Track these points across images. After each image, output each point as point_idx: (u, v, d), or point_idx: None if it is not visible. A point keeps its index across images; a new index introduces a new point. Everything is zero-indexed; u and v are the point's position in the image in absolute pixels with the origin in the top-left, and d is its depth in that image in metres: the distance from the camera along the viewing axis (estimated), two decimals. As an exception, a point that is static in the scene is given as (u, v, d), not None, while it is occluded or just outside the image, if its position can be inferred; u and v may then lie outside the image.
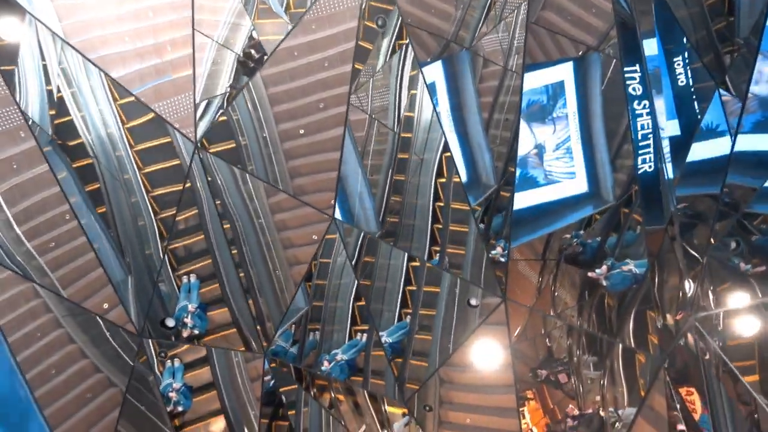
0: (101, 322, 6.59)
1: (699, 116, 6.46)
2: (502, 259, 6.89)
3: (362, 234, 7.02)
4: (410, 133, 6.99)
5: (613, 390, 6.97)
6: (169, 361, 6.90)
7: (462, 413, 7.32)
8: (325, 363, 7.13)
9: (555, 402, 7.21)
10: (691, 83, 6.53)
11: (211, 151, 6.64)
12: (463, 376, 7.26)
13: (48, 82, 6.29)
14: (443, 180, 6.98)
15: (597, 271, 6.86)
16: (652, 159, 6.64)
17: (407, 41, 6.76)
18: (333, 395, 7.36)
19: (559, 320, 7.09)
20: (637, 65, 6.52)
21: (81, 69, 6.33)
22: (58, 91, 6.32)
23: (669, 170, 6.57)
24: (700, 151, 6.55)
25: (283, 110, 6.75)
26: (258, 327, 7.03)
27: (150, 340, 6.79)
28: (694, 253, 6.61)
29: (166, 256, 6.73)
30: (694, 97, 6.54)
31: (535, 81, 6.75)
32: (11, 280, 6.28)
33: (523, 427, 7.09)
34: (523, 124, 6.75)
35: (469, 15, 6.77)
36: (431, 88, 6.83)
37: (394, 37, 6.78)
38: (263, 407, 7.09)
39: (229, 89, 6.63)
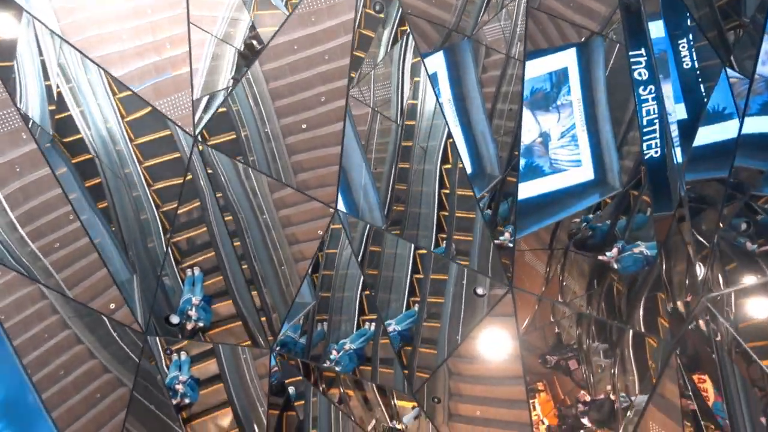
0: (107, 322, 6.59)
1: (705, 99, 6.38)
2: (510, 245, 6.84)
3: (368, 227, 6.98)
4: (413, 121, 6.96)
5: (624, 378, 6.92)
6: (175, 354, 6.91)
7: (472, 405, 7.28)
8: (334, 352, 7.12)
9: (566, 392, 7.16)
10: (696, 65, 6.45)
11: (211, 142, 6.62)
12: (471, 368, 7.22)
13: (46, 77, 6.28)
14: (448, 166, 6.94)
15: (608, 254, 6.78)
16: (659, 144, 6.57)
17: (408, 28, 6.71)
18: (342, 390, 7.33)
19: (568, 309, 7.03)
20: (643, 49, 6.45)
21: (79, 65, 6.33)
22: (57, 87, 6.32)
23: (678, 155, 6.49)
24: (707, 135, 6.47)
25: (285, 105, 6.72)
26: (263, 319, 7.02)
27: (157, 339, 6.78)
28: (702, 239, 6.54)
29: (169, 249, 6.72)
30: (699, 80, 6.46)
31: (538, 68, 6.69)
32: (17, 281, 6.29)
33: (533, 419, 7.04)
34: (527, 113, 6.69)
35: (470, 3, 6.71)
36: (433, 79, 6.78)
37: (395, 26, 6.74)
38: (271, 396, 7.09)
39: (230, 82, 6.60)
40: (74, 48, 6.25)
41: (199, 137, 6.58)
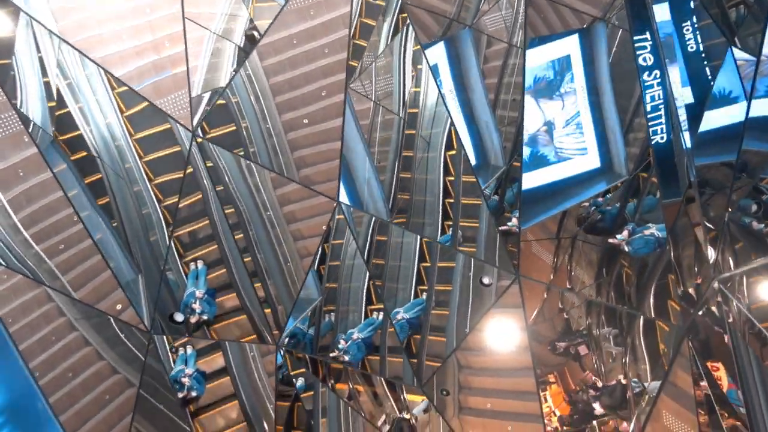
0: (114, 323, 6.59)
1: (711, 81, 6.30)
2: (517, 230, 6.79)
3: (373, 219, 6.95)
4: (416, 109, 6.92)
5: (636, 367, 6.86)
6: (181, 348, 6.89)
7: (482, 398, 7.25)
8: (342, 342, 7.11)
9: (576, 382, 7.11)
10: (701, 48, 6.37)
11: (211, 134, 6.60)
12: (481, 360, 7.18)
13: (45, 74, 6.28)
14: (453, 153, 6.89)
15: (618, 236, 6.71)
16: (664, 130, 6.50)
17: (407, 15, 6.67)
18: (351, 386, 7.31)
19: (577, 298, 6.98)
20: (648, 33, 6.37)
21: (78, 62, 6.32)
22: (56, 83, 6.31)
23: (687, 139, 6.42)
24: (714, 119, 6.40)
25: (286, 100, 6.69)
26: (268, 311, 7.01)
27: (164, 337, 6.77)
28: (709, 225, 6.47)
29: (172, 242, 6.70)
30: (705, 63, 6.38)
31: (540, 57, 6.63)
32: (23, 285, 6.29)
33: (545, 411, 7.00)
34: (531, 102, 6.63)
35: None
36: (434, 70, 6.74)
37: (395, 14, 6.70)
38: (281, 386, 7.08)
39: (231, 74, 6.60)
40: (74, 49, 6.24)
41: (199, 130, 6.56)
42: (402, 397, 7.27)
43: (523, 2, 6.49)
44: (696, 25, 6.36)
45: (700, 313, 6.44)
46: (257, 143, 6.72)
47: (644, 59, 6.44)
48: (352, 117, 6.75)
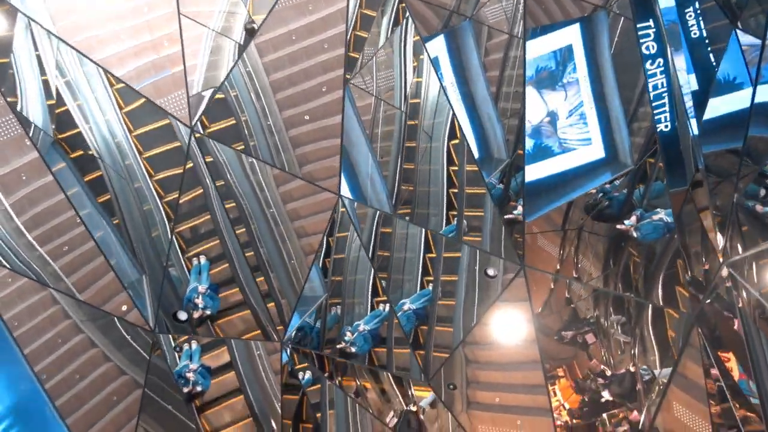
0: (119, 324, 6.58)
1: (715, 67, 6.23)
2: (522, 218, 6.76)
3: (377, 213, 6.92)
4: (418, 99, 6.89)
5: (645, 358, 6.80)
6: (186, 344, 6.88)
7: (490, 393, 7.21)
8: (348, 334, 7.09)
9: (584, 372, 7.06)
10: (704, 34, 6.30)
11: (210, 129, 6.58)
12: (488, 354, 7.15)
13: (43, 72, 6.28)
14: (456, 142, 6.85)
15: (626, 222, 6.66)
16: (668, 119, 6.45)
17: (406, 6, 6.63)
18: (359, 383, 7.28)
19: (584, 290, 6.93)
20: (651, 20, 6.31)
21: (75, 60, 6.31)
22: (55, 82, 6.31)
23: (693, 126, 6.35)
24: (719, 106, 6.33)
25: (286, 97, 6.67)
26: (271, 305, 6.98)
27: (170, 336, 6.76)
28: (716, 211, 6.41)
29: (173, 238, 6.69)
30: (709, 49, 6.31)
31: (541, 47, 6.60)
32: (29, 287, 6.28)
33: (554, 405, 6.95)
34: (533, 92, 6.59)
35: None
36: (435, 63, 6.70)
37: (395, 5, 6.66)
38: (289, 378, 7.07)
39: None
40: (74, 49, 6.24)
41: (198, 125, 6.54)
42: (410, 393, 7.24)
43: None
44: (698, 10, 6.29)
45: (708, 301, 6.39)
46: (258, 138, 6.70)
47: (648, 47, 6.38)
48: (354, 112, 6.72)
